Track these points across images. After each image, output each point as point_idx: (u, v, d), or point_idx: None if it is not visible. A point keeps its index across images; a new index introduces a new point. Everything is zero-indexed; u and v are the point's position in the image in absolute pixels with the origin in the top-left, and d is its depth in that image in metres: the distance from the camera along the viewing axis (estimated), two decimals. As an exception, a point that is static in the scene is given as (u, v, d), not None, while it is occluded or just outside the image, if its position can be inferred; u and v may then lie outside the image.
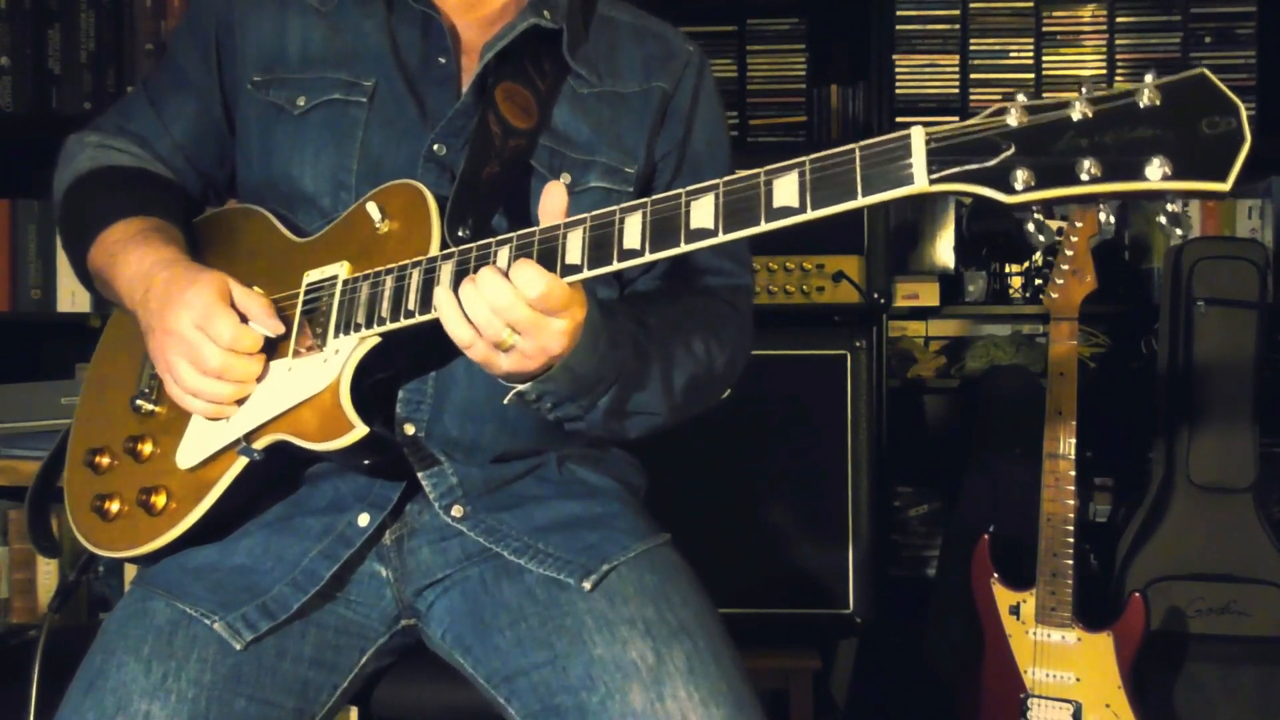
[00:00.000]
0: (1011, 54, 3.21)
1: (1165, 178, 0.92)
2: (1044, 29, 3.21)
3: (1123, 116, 0.94)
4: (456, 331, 1.18)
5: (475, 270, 1.21)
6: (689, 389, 1.43)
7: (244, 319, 1.31)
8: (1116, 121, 0.94)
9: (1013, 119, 0.97)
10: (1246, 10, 3.16)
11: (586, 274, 1.15)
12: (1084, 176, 0.93)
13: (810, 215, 1.04)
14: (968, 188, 0.97)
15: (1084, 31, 3.20)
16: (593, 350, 1.23)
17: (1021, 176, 0.95)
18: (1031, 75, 3.20)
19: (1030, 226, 0.98)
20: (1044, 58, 3.20)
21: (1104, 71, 3.19)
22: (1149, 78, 0.94)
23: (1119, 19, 3.19)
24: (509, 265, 1.17)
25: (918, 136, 0.99)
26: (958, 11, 3.21)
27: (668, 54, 1.56)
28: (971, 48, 3.21)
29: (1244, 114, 0.92)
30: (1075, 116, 0.95)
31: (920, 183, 0.98)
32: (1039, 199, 0.95)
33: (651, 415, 1.40)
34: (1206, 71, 0.94)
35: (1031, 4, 3.21)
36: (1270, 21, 3.16)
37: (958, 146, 0.98)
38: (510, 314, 1.15)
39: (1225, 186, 0.91)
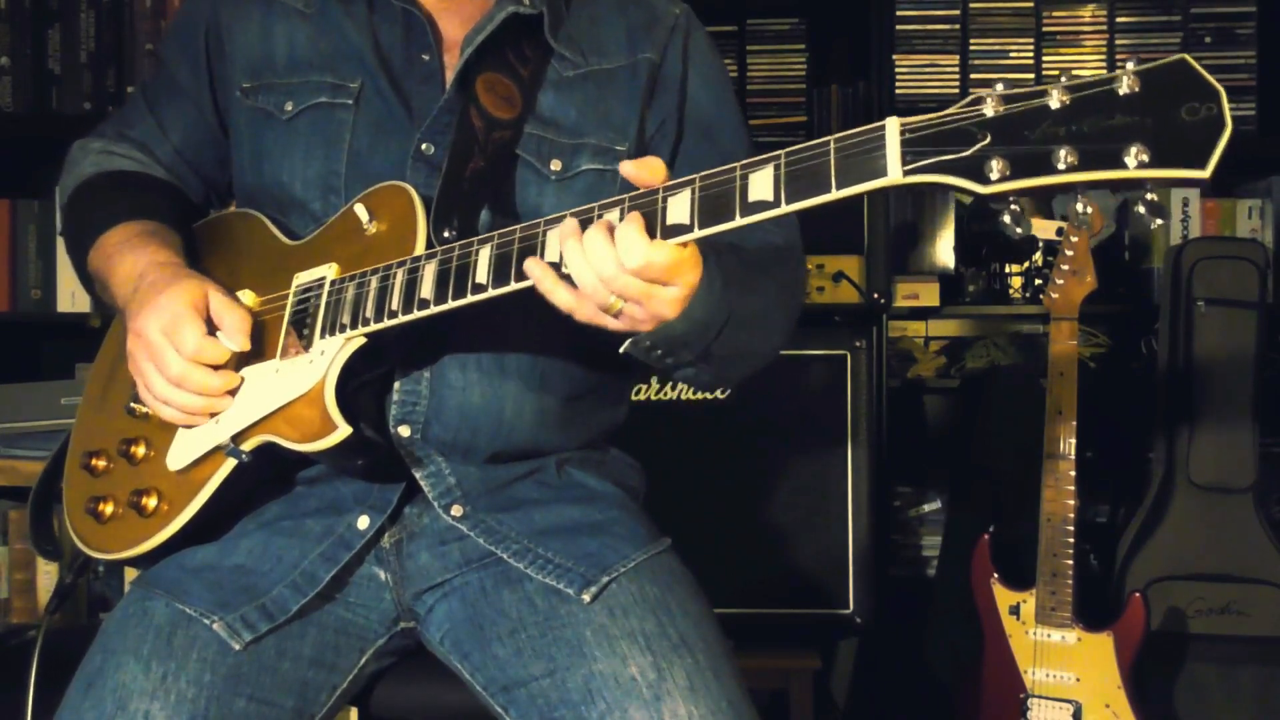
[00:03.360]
0: (1011, 54, 3.20)
1: (1143, 165, 0.90)
2: (1044, 29, 3.19)
3: (1101, 104, 0.93)
4: (557, 298, 1.15)
5: (455, 270, 1.20)
6: (781, 325, 1.41)
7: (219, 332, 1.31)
8: (1094, 109, 0.93)
9: (989, 108, 0.95)
10: (1246, 10, 3.15)
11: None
12: (1060, 165, 0.92)
13: (785, 209, 1.02)
14: (942, 179, 0.96)
15: (1084, 31, 3.19)
16: (709, 292, 1.19)
17: (997, 166, 0.94)
18: (1031, 75, 3.18)
19: (1006, 218, 0.96)
20: (1044, 58, 3.19)
21: (1104, 71, 3.17)
22: (1130, 65, 0.93)
23: (1119, 19, 3.18)
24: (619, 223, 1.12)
25: (892, 127, 0.98)
26: (958, 11, 3.20)
27: (651, 20, 1.52)
28: (971, 48, 3.20)
29: (1225, 100, 0.90)
30: (1052, 105, 0.94)
31: (894, 174, 0.97)
32: (1014, 189, 0.94)
33: (754, 356, 1.37)
34: (1187, 57, 0.92)
35: (1031, 4, 3.19)
36: (1270, 21, 3.14)
37: (932, 137, 0.97)
38: (616, 284, 1.11)
39: (1205, 173, 0.90)
